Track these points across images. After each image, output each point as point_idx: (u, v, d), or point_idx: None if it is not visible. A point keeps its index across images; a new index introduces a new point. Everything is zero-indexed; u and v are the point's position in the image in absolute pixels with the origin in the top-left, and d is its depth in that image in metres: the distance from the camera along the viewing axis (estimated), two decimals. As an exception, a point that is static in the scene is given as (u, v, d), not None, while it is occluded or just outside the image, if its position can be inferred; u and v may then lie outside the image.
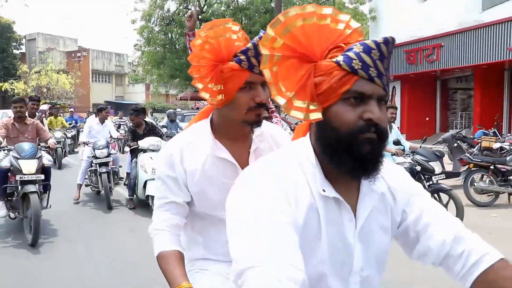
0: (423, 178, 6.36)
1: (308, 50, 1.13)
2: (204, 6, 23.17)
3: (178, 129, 12.27)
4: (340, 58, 1.10)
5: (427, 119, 19.71)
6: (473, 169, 7.42)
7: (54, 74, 40.74)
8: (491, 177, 7.31)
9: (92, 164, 8.24)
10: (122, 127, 18.04)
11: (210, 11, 22.80)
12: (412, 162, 6.64)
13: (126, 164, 8.42)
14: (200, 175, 1.69)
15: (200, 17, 23.40)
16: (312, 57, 1.13)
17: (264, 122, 1.78)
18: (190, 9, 23.73)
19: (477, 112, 16.51)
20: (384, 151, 1.19)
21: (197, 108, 26.22)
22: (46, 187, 6.44)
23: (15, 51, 49.44)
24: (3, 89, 38.53)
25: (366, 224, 1.26)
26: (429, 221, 1.30)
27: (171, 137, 6.79)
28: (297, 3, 21.51)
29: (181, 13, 22.04)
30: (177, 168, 1.69)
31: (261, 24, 21.77)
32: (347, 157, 1.14)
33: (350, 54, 1.09)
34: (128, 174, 8.27)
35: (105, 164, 8.15)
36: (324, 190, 1.19)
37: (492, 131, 11.53)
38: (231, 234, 1.13)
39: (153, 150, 7.58)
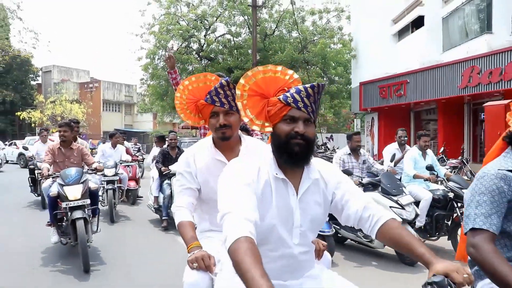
0: (455, 206, 6.31)
1: (265, 91, 1.89)
2: (203, 45, 25.66)
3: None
4: (281, 96, 1.84)
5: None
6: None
7: (68, 103, 42.85)
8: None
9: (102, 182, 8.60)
10: (140, 152, 18.55)
11: (209, 49, 25.20)
12: (446, 189, 6.67)
13: (154, 188, 8.51)
14: (205, 170, 2.45)
15: (200, 54, 25.94)
16: (267, 95, 1.90)
17: (248, 137, 2.61)
18: (191, 47, 26.33)
19: (441, 142, 18.50)
20: (312, 150, 1.89)
21: (201, 135, 28.46)
22: (94, 211, 6.37)
23: (32, 82, 52.20)
24: (21, 117, 41.06)
25: (304, 197, 1.93)
26: (349, 198, 1.98)
27: None
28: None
29: (182, 52, 24.50)
30: (191, 165, 2.47)
31: (251, 63, 24.21)
32: (285, 153, 1.86)
33: (288, 94, 1.83)
34: (156, 197, 8.47)
35: (112, 182, 8.78)
36: (276, 174, 1.89)
37: (460, 159, 13.60)
38: (218, 194, 1.80)
39: None
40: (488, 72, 14.88)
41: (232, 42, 25.51)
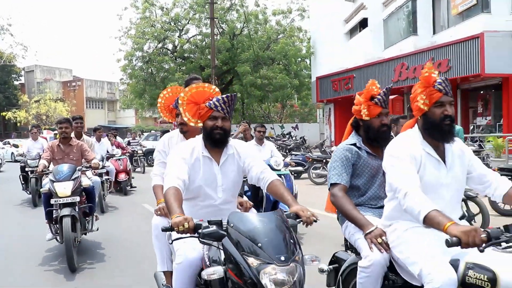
0: None
1: (197, 100, 2.81)
2: (177, 46, 28.14)
3: None
4: (207, 103, 2.78)
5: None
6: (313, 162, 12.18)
7: (52, 102, 44.66)
8: (324, 167, 12.05)
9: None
10: (140, 146, 19.56)
11: (181, 50, 27.71)
12: None
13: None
14: (195, 161, 3.01)
15: (174, 54, 28.41)
16: (198, 103, 2.81)
17: (233, 140, 3.20)
18: (166, 48, 28.74)
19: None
20: (227, 136, 2.88)
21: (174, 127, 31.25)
22: (91, 209, 6.20)
23: (15, 82, 53.50)
24: (6, 117, 42.97)
25: (223, 167, 2.95)
26: (253, 165, 2.99)
27: None
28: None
29: (157, 53, 26.97)
30: (190, 154, 3.02)
31: (221, 60, 26.82)
32: (210, 139, 2.84)
33: (211, 101, 2.80)
34: None
35: (99, 174, 8.61)
36: (203, 153, 2.89)
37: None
38: (167, 163, 2.86)
39: None
40: (413, 68, 17.65)
41: (204, 43, 28.02)
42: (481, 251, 2.12)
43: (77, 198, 5.68)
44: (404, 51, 18.66)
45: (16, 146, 16.01)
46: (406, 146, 2.62)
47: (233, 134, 7.52)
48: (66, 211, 5.47)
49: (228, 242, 2.39)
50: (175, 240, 2.57)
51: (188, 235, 2.39)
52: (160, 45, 28.06)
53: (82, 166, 6.26)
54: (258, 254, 2.28)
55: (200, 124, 2.97)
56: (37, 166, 8.27)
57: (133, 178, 11.89)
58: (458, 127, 12.34)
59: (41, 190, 6.32)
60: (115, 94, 55.79)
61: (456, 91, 18.10)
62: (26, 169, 10.64)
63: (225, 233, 2.41)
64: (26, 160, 10.69)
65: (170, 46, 29.08)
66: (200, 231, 2.38)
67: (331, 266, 3.25)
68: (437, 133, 2.62)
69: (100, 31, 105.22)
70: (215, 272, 2.39)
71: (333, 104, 24.89)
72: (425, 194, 2.46)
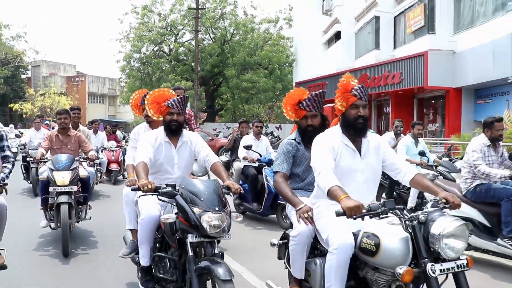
0: None
1: (158, 100, 4.02)
2: (172, 50, 30.67)
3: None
4: (166, 103, 3.96)
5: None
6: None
7: (56, 96, 46.71)
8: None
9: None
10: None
11: (176, 53, 30.24)
12: (435, 173, 7.10)
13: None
14: (159, 145, 4.03)
15: (169, 57, 30.92)
16: (160, 102, 4.00)
17: (186, 130, 4.23)
18: (164, 51, 31.26)
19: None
20: (182, 126, 4.04)
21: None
22: (85, 198, 6.42)
23: (22, 76, 56.15)
24: (14, 109, 45.48)
25: (179, 150, 4.08)
26: (201, 150, 4.10)
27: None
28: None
29: (153, 56, 29.52)
30: (154, 141, 4.03)
31: (211, 64, 29.32)
32: (168, 129, 4.00)
33: (169, 101, 3.97)
34: None
35: (92, 165, 8.56)
36: (165, 139, 4.05)
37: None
38: (137, 147, 4.19)
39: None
40: (373, 79, 20.10)
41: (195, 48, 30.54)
42: (354, 218, 2.69)
43: (75, 188, 5.95)
44: (368, 63, 21.08)
45: (18, 136, 15.88)
46: (327, 139, 3.19)
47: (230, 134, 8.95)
48: (63, 198, 5.78)
49: (180, 198, 3.40)
50: (141, 196, 3.57)
51: (151, 193, 3.39)
52: (156, 48, 30.58)
53: (80, 157, 6.49)
54: (200, 205, 3.28)
55: (161, 118, 4.11)
56: None
57: (124, 169, 12.48)
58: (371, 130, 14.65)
59: (39, 177, 6.60)
60: (116, 90, 58.23)
61: (413, 99, 20.58)
62: (28, 159, 10.28)
63: (178, 193, 3.42)
64: (28, 150, 10.71)
65: (165, 49, 31.57)
66: (160, 190, 3.40)
67: (281, 241, 3.74)
68: (352, 129, 3.16)
69: (104, 30, 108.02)
70: (169, 217, 3.43)
71: (311, 107, 27.31)
72: (342, 177, 3.04)
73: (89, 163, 7.03)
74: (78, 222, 6.50)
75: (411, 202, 7.23)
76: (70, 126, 6.91)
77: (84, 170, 6.61)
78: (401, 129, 8.57)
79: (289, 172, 3.74)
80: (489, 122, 5.47)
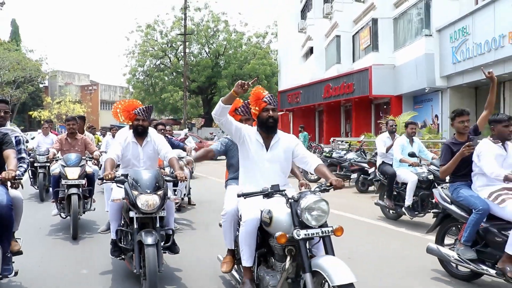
0: (437, 186, 6.27)
1: (128, 109, 5.23)
2: (172, 64, 35.00)
3: None
4: (134, 111, 5.18)
5: (310, 136, 30.78)
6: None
7: (71, 104, 50.26)
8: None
9: None
10: None
11: (175, 67, 34.54)
12: (427, 172, 7.40)
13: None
14: (127, 144, 5.23)
15: (169, 69, 35.17)
16: (129, 111, 5.22)
17: (152, 132, 5.48)
18: (166, 65, 35.56)
19: (327, 133, 27.48)
20: (146, 130, 5.28)
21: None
22: (90, 191, 7.30)
23: (40, 85, 60.43)
24: (33, 116, 49.94)
25: (144, 148, 5.30)
26: (161, 148, 5.30)
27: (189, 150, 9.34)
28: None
29: (155, 69, 33.87)
30: (124, 141, 5.24)
31: (205, 76, 33.53)
32: (136, 132, 5.24)
33: (136, 110, 5.19)
34: None
35: (97, 164, 8.76)
36: (133, 140, 5.29)
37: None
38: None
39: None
40: (334, 88, 24.04)
41: (194, 61, 34.81)
42: (244, 198, 3.56)
43: (83, 181, 7.04)
44: (331, 75, 25.06)
45: (27, 141, 13.81)
46: (246, 132, 4.07)
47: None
48: (73, 190, 6.86)
49: (126, 184, 4.45)
50: (103, 183, 5.16)
51: (110, 181, 4.51)
52: (158, 62, 34.88)
53: (86, 157, 7.49)
54: (138, 189, 4.36)
55: (130, 123, 5.25)
56: (45, 162, 9.96)
57: None
58: (305, 133, 17.90)
59: (52, 172, 7.80)
60: (126, 98, 62.45)
61: (371, 105, 24.46)
62: (35, 164, 10.38)
63: (126, 180, 4.43)
64: (36, 155, 10.39)
65: (167, 62, 35.89)
66: (115, 179, 4.44)
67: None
68: (264, 127, 4.02)
69: (115, 42, 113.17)
70: (116, 198, 4.72)
71: (292, 113, 31.37)
72: (253, 164, 4.03)
73: (94, 161, 7.86)
74: (84, 212, 7.34)
75: (408, 200, 7.49)
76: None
77: (90, 168, 7.56)
78: (395, 127, 8.71)
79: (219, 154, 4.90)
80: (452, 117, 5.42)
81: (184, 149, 8.36)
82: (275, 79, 34.81)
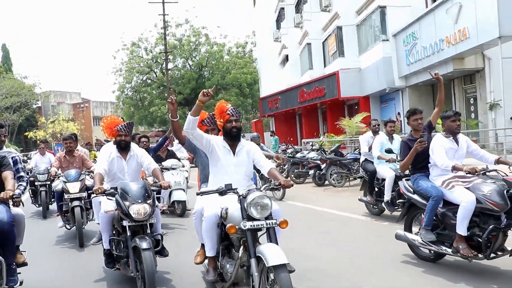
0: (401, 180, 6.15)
1: (110, 126, 5.52)
2: (158, 78, 36.73)
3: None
4: (116, 127, 5.45)
5: (291, 139, 32.28)
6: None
7: (64, 122, 52.10)
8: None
9: None
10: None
11: (160, 81, 36.28)
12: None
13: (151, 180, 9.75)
14: (112, 159, 5.50)
15: (155, 84, 36.87)
16: (112, 128, 5.50)
17: (134, 146, 5.76)
18: (152, 79, 37.26)
19: (307, 134, 29.07)
20: (129, 145, 5.55)
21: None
22: (91, 203, 7.32)
23: (34, 106, 61.76)
24: (29, 136, 51.42)
25: (128, 161, 5.59)
26: (144, 160, 5.64)
27: (182, 159, 9.91)
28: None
29: (142, 84, 35.61)
30: (109, 156, 5.49)
31: (190, 88, 35.24)
32: (118, 146, 5.52)
33: (118, 126, 5.45)
34: None
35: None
36: (117, 154, 5.56)
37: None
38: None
39: (173, 169, 9.20)
40: (308, 93, 25.73)
41: (178, 74, 36.55)
42: (201, 195, 4.24)
43: (84, 194, 7.50)
44: (304, 80, 26.76)
45: (25, 161, 15.42)
46: (215, 142, 4.55)
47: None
48: (76, 202, 7.39)
49: (117, 196, 4.74)
50: (93, 197, 5.49)
51: (100, 195, 4.80)
52: (145, 77, 36.62)
53: (86, 171, 7.87)
54: (129, 199, 4.65)
55: (113, 139, 5.54)
56: (46, 180, 10.38)
57: None
58: (276, 137, 19.54)
59: (55, 188, 8.38)
60: (117, 113, 64.08)
61: (344, 106, 26.15)
62: (36, 183, 10.82)
63: (116, 192, 4.75)
64: (36, 174, 10.77)
65: (153, 77, 37.60)
66: (106, 192, 4.74)
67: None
68: (229, 136, 4.53)
69: (103, 59, 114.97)
70: (109, 209, 4.96)
71: (274, 118, 33.07)
72: (221, 167, 4.50)
73: (92, 176, 7.71)
74: (87, 222, 7.89)
75: (387, 195, 7.77)
76: (79, 147, 8.91)
77: (89, 181, 7.86)
78: (378, 126, 8.88)
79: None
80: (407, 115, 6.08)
81: (166, 138, 8.83)
82: (256, 86, 36.52)
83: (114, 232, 5.29)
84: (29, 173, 11.06)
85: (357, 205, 9.07)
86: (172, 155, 9.70)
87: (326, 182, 13.44)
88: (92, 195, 5.47)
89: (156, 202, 5.13)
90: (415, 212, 5.79)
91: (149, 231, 4.79)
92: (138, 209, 4.63)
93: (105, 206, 5.12)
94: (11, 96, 41.99)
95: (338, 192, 12.34)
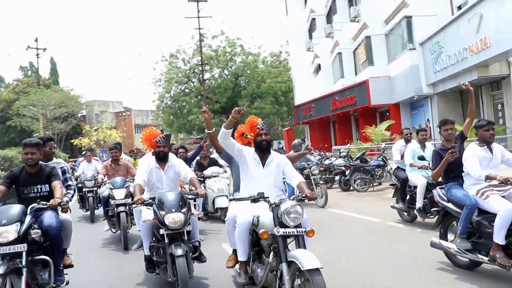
0: (436, 188, 6.22)
1: (149, 138, 5.75)
2: (195, 88, 38.17)
3: (308, 161, 12.73)
4: (155, 139, 5.65)
5: (326, 145, 32.91)
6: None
7: (107, 130, 54.17)
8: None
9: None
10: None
11: (197, 91, 37.68)
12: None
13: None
14: (151, 170, 5.68)
15: (192, 93, 38.31)
16: (151, 139, 5.72)
17: (172, 156, 5.96)
18: (190, 89, 38.75)
19: (339, 141, 29.65)
20: (167, 156, 5.75)
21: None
22: None
23: (79, 115, 64.60)
24: (74, 143, 53.82)
25: (166, 172, 5.77)
26: (181, 170, 5.85)
27: (225, 166, 10.04)
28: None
29: (181, 94, 37.11)
30: (147, 167, 5.67)
31: (226, 97, 36.47)
32: (157, 157, 5.75)
33: (156, 138, 5.68)
34: None
35: None
36: (156, 166, 5.75)
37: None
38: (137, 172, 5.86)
39: (215, 176, 9.53)
40: (340, 101, 26.41)
41: (215, 84, 37.90)
42: (236, 200, 4.59)
43: (128, 200, 7.76)
44: (337, 88, 27.45)
45: (73, 168, 16.17)
46: (246, 152, 4.89)
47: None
48: (121, 208, 7.77)
49: (154, 206, 4.99)
50: (134, 207, 5.66)
51: (141, 205, 5.05)
52: (183, 87, 38.13)
53: (131, 179, 8.13)
54: (165, 209, 4.86)
55: (152, 150, 5.78)
56: (93, 187, 11.10)
57: None
58: (303, 144, 20.30)
59: (101, 194, 8.75)
60: (158, 121, 66.10)
61: (376, 113, 26.67)
62: (83, 189, 11.45)
63: (154, 202, 4.99)
64: (83, 181, 11.52)
65: (191, 86, 39.07)
66: (145, 203, 5.00)
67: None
68: (259, 149, 4.84)
69: (144, 69, 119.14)
70: (146, 219, 5.26)
71: (308, 125, 33.84)
72: (252, 178, 4.80)
73: None
74: (131, 226, 8.23)
75: (418, 202, 7.89)
76: (123, 155, 9.40)
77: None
78: (411, 135, 9.08)
79: None
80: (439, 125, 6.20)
81: (201, 147, 9.33)
82: (291, 94, 37.41)
83: (154, 239, 5.49)
84: (77, 180, 11.74)
85: (382, 210, 9.46)
86: (214, 162, 10.08)
87: (351, 188, 14.16)
88: (133, 205, 5.80)
89: (193, 209, 5.38)
90: (450, 220, 5.83)
91: (186, 238, 5.02)
92: (173, 218, 4.85)
93: (144, 215, 5.41)
94: (59, 107, 44.17)
95: (361, 196, 13.05)
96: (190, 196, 5.35)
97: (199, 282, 5.61)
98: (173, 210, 4.88)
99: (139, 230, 5.88)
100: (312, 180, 11.47)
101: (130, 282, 5.92)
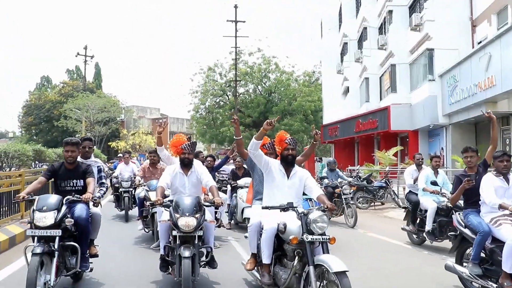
0: (454, 213, 6.56)
1: (176, 145, 6.04)
2: (229, 100, 40.13)
3: (339, 178, 12.79)
4: (180, 146, 5.90)
5: (340, 164, 33.84)
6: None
7: (144, 135, 56.48)
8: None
9: None
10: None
11: (231, 104, 39.60)
12: (447, 200, 7.92)
13: (227, 197, 10.21)
14: (175, 174, 6.00)
15: (227, 106, 40.28)
16: (177, 146, 6.00)
17: (196, 163, 6.16)
18: (225, 102, 40.77)
19: (362, 162, 30.87)
20: (191, 162, 5.99)
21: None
22: None
23: (118, 119, 67.40)
24: (111, 146, 56.44)
25: (189, 177, 6.05)
26: (203, 177, 6.08)
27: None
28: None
29: (216, 106, 39.17)
30: (172, 171, 5.99)
31: (258, 112, 38.25)
32: (182, 163, 6.06)
33: (182, 145, 5.91)
34: (228, 205, 10.30)
35: None
36: (180, 171, 6.04)
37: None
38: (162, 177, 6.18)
39: (247, 187, 9.27)
40: (363, 124, 27.74)
41: (248, 99, 39.81)
42: (268, 208, 4.82)
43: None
44: (362, 111, 28.83)
45: (111, 169, 17.38)
46: (272, 164, 5.22)
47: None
48: (155, 209, 7.48)
49: (171, 209, 5.19)
50: (152, 208, 6.33)
51: (159, 206, 5.37)
52: (218, 99, 40.17)
53: None
54: (179, 212, 5.09)
55: (178, 157, 6.05)
56: (129, 187, 11.52)
57: None
58: (323, 163, 21.63)
59: (137, 196, 9.07)
60: (192, 130, 68.33)
61: (397, 138, 27.86)
62: (120, 189, 11.91)
63: (171, 204, 5.19)
64: (120, 181, 12.00)
65: (226, 99, 41.09)
66: (163, 205, 5.25)
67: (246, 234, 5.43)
68: (285, 162, 5.20)
69: (182, 80, 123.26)
70: (162, 220, 5.51)
71: (333, 145, 35.23)
72: (276, 188, 5.12)
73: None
74: None
75: (428, 225, 8.19)
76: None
77: (168, 191, 8.18)
78: (422, 160, 9.39)
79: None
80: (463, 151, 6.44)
81: (227, 158, 9.98)
82: (320, 113, 38.91)
83: (170, 240, 5.63)
84: (114, 180, 12.67)
85: (380, 225, 10.59)
86: (248, 173, 10.02)
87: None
88: (151, 206, 5.98)
89: (208, 216, 5.63)
90: (466, 245, 5.95)
91: (196, 242, 5.20)
92: (186, 221, 5.08)
93: (162, 216, 5.78)
94: (102, 111, 47.12)
95: (361, 213, 13.95)
96: (207, 204, 5.55)
97: (207, 284, 5.95)
98: (187, 214, 5.13)
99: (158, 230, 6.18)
100: (343, 200, 11.60)
101: (146, 278, 6.22)
